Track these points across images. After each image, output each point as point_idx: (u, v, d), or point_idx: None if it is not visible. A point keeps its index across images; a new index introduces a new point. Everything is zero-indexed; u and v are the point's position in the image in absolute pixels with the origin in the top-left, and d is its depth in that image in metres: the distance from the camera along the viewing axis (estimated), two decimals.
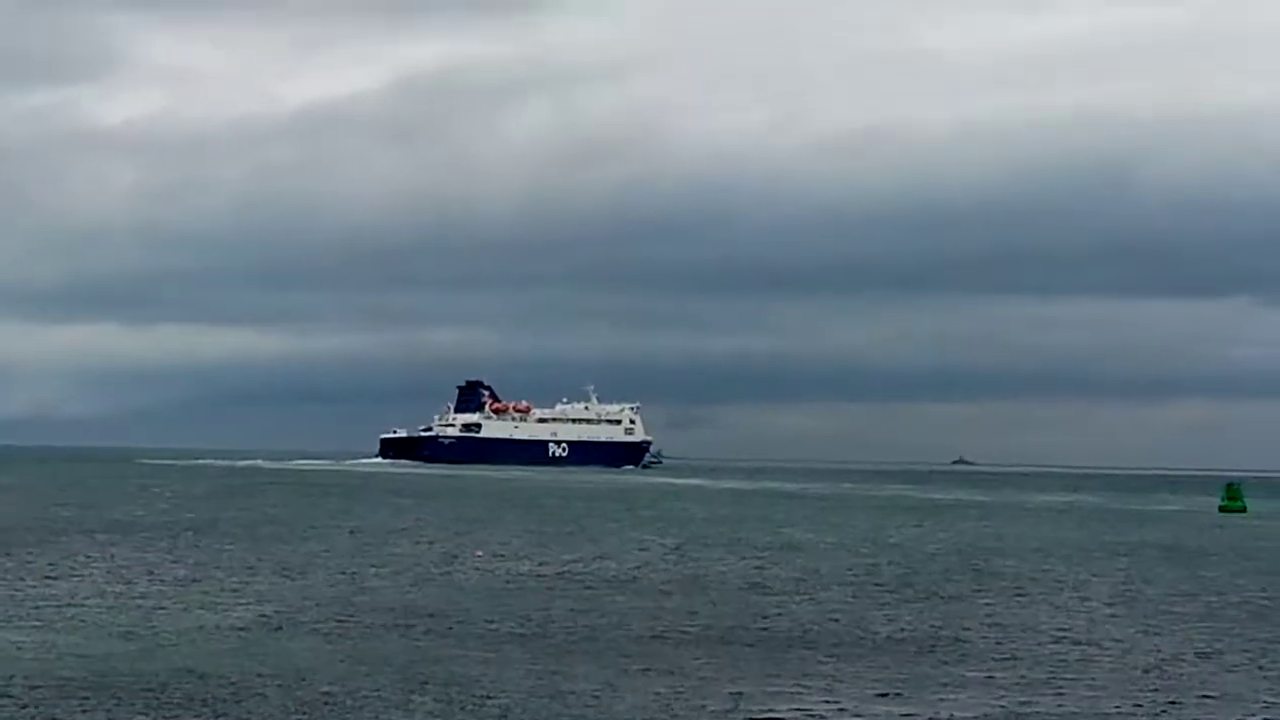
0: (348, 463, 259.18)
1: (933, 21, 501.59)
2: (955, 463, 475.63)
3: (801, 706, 26.68)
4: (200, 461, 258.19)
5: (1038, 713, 26.74)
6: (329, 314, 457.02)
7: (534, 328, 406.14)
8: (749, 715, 25.70)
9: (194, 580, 47.76)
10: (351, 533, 72.30)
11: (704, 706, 26.41)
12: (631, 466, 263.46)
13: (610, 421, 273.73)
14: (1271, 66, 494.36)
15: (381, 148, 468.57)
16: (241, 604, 41.09)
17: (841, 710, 26.43)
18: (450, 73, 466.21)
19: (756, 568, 57.03)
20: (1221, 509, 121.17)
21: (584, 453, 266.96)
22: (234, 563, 54.24)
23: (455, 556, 58.99)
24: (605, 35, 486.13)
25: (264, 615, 38.54)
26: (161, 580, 47.38)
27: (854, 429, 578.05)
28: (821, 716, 25.90)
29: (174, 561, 54.22)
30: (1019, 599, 47.38)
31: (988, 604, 45.34)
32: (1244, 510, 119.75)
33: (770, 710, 26.11)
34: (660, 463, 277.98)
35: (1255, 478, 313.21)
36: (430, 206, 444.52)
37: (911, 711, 26.53)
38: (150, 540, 64.58)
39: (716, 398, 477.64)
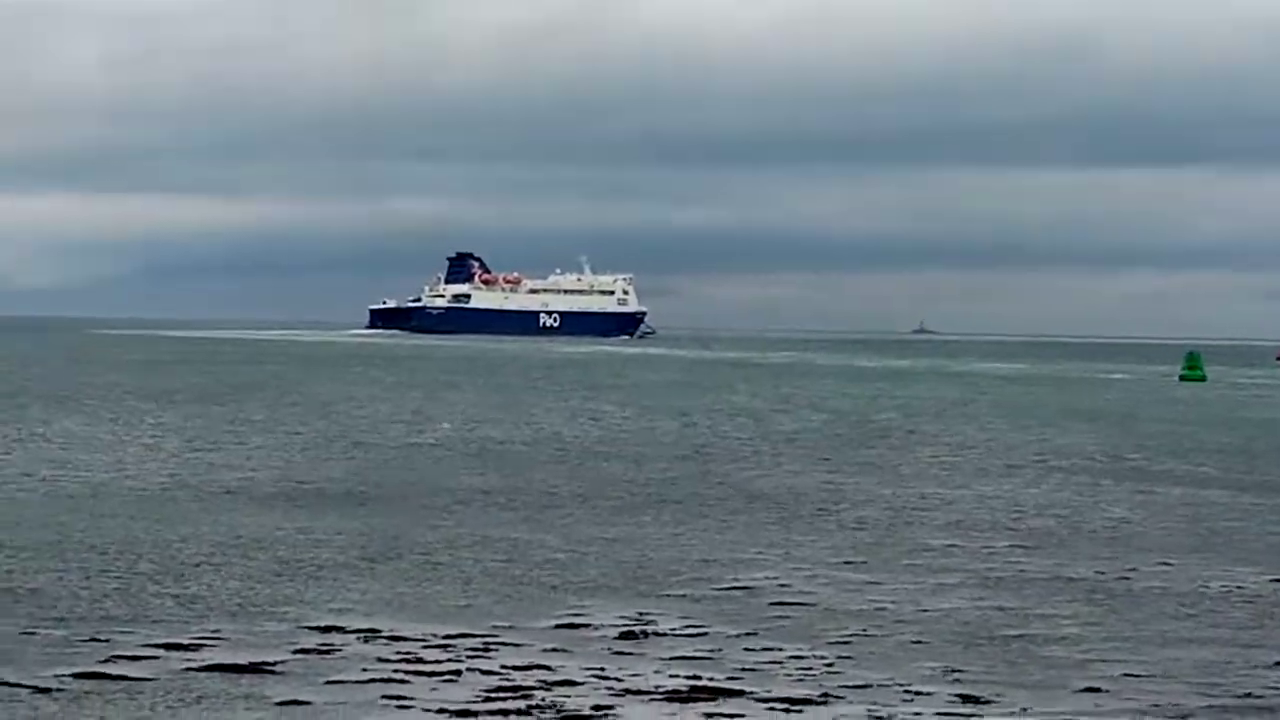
0: (336, 332, 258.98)
1: None
2: (917, 331, 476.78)
3: (765, 571, 26.29)
4: (171, 333, 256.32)
5: (998, 576, 26.35)
6: (295, 183, 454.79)
7: (501, 200, 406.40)
8: (714, 575, 25.31)
9: (147, 447, 47.20)
10: (294, 404, 71.67)
11: (669, 567, 26.01)
12: (625, 337, 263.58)
13: (603, 292, 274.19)
14: None
15: (349, 20, 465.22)
16: (191, 471, 40.51)
17: (798, 569, 26.07)
18: None
19: (710, 433, 56.92)
20: (1182, 378, 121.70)
21: (576, 323, 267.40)
22: (184, 430, 53.58)
23: (415, 425, 58.59)
24: None
25: (216, 481, 37.99)
26: (112, 447, 46.76)
27: (819, 298, 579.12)
28: (784, 580, 25.49)
29: (124, 428, 53.70)
30: (949, 462, 47.28)
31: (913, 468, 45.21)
32: (1203, 379, 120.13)
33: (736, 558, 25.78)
34: (654, 333, 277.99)
35: (1220, 345, 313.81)
36: (397, 79, 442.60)
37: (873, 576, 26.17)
38: (99, 407, 64.04)
39: (682, 268, 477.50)
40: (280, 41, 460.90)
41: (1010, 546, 29.55)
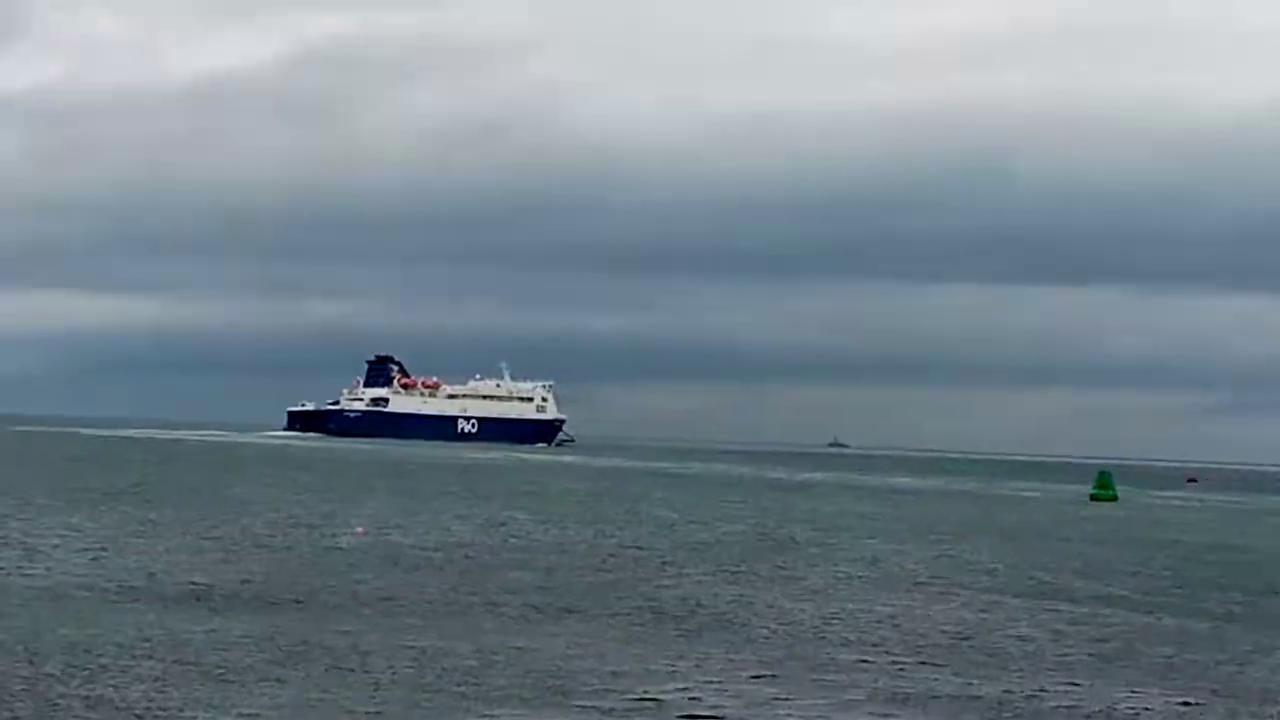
0: (252, 434, 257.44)
1: (826, 9, 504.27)
2: (831, 444, 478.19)
3: (681, 684, 26.24)
4: (88, 431, 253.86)
5: (906, 693, 26.39)
6: (214, 284, 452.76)
7: (420, 303, 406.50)
8: (626, 689, 25.23)
9: (54, 546, 46.74)
10: (205, 505, 71.21)
11: (578, 677, 25.91)
12: (544, 444, 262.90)
13: (522, 399, 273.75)
14: (1150, 59, 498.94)
15: (273, 120, 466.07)
16: (99, 571, 40.12)
17: (717, 687, 26.02)
18: (349, 47, 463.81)
19: (621, 543, 56.93)
20: (1093, 497, 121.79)
21: (494, 429, 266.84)
22: (93, 530, 53.05)
23: (325, 529, 58.27)
24: (508, 14, 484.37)
25: (127, 584, 37.66)
26: (18, 545, 46.30)
27: (735, 410, 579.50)
28: (696, 694, 25.44)
29: (32, 526, 53.14)
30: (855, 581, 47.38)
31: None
32: (1115, 499, 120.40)
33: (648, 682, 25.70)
34: (573, 441, 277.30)
35: (1134, 465, 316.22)
36: (317, 180, 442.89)
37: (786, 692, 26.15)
38: (7, 505, 63.40)
39: (598, 377, 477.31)
40: (202, 140, 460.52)
41: (918, 664, 29.59)
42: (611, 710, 23.57)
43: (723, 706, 24.15)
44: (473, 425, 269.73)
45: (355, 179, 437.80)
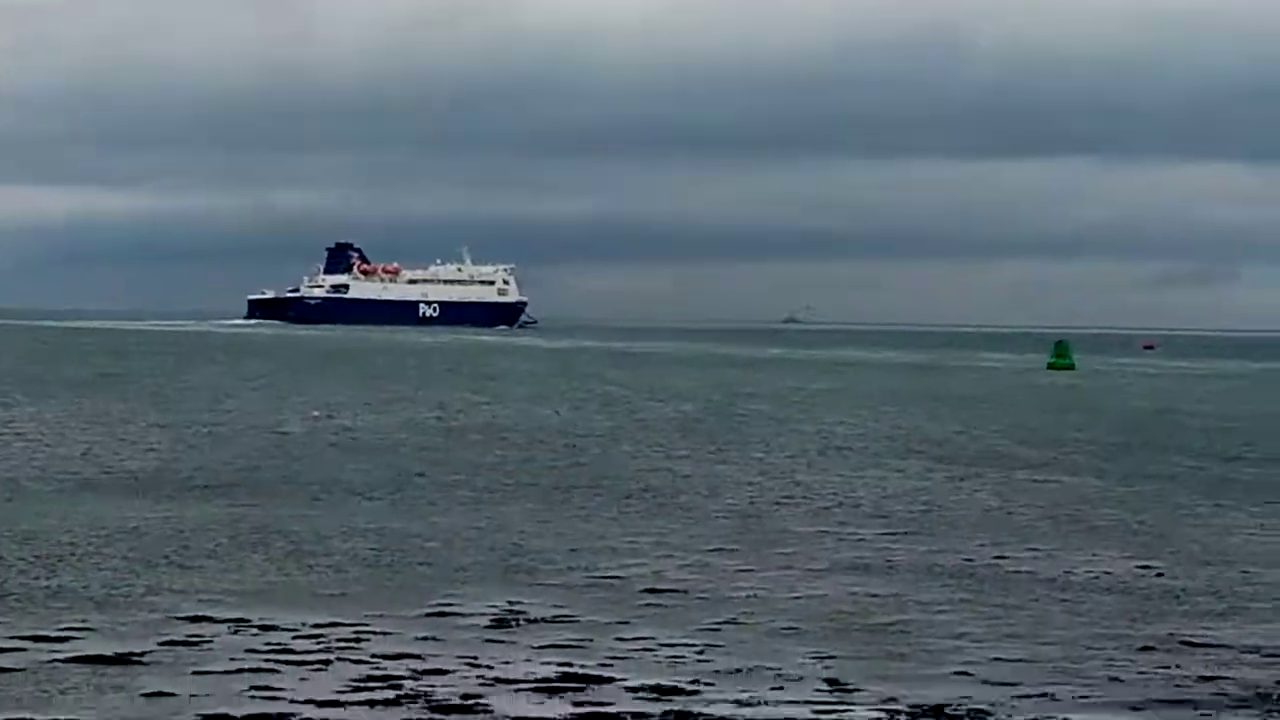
0: (212, 323, 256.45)
1: None
2: (786, 321, 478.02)
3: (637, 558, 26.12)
4: (47, 323, 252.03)
5: (867, 563, 26.32)
6: (176, 174, 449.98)
7: (380, 190, 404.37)
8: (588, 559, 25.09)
9: (8, 436, 46.42)
10: (162, 394, 70.79)
11: (540, 555, 25.76)
12: (505, 327, 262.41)
13: (483, 282, 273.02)
14: None
15: (227, 11, 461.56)
16: (54, 462, 39.77)
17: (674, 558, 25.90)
18: None
19: (573, 422, 56.78)
20: (1050, 366, 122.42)
21: (455, 313, 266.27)
22: (49, 420, 52.66)
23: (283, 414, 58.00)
24: None
25: (80, 472, 37.33)
26: None
27: (697, 289, 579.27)
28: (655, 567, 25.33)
29: None
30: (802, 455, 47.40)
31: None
32: (1072, 368, 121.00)
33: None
34: (535, 323, 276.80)
35: (1096, 335, 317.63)
36: (277, 70, 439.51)
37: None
38: None
39: (559, 259, 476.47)
40: (159, 32, 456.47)
41: (878, 534, 29.50)
42: (575, 586, 23.40)
43: (685, 580, 24.00)
44: (434, 310, 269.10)
45: (315, 67, 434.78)
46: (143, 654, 18.37)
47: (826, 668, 18.30)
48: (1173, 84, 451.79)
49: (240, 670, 17.68)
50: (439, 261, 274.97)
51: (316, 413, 57.58)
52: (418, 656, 18.47)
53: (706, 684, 17.43)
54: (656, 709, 16.40)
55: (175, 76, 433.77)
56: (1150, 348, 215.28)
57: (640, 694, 16.98)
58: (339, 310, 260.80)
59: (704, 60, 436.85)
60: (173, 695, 16.65)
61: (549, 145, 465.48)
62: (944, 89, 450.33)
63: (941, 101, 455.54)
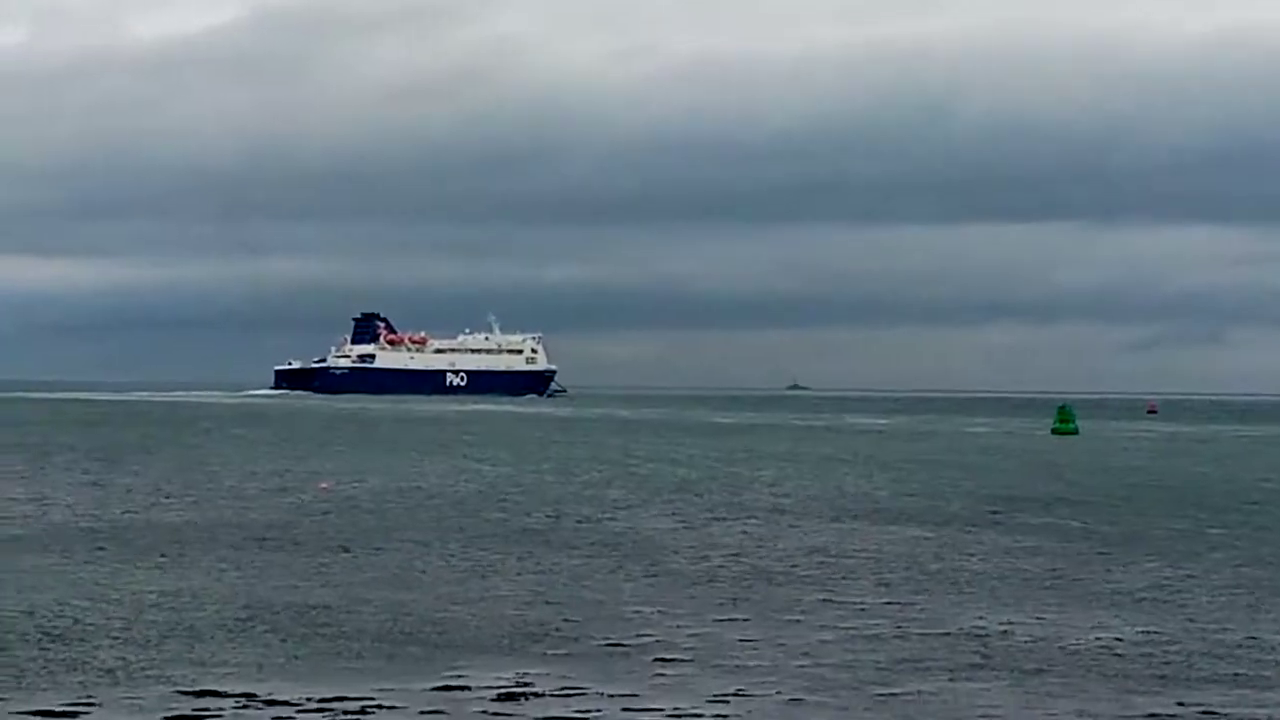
0: (240, 394, 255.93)
1: None
2: (790, 388, 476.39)
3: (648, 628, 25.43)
4: (71, 396, 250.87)
5: (873, 634, 25.60)
6: (181, 244, 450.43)
7: (368, 259, 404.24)
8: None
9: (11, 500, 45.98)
10: (190, 465, 70.33)
11: (544, 624, 25.09)
12: (534, 395, 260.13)
13: (511, 351, 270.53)
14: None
15: (230, 82, 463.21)
16: (67, 528, 39.29)
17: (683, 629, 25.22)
18: (306, 6, 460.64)
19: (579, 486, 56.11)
20: (1055, 431, 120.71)
21: (484, 382, 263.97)
22: (64, 488, 52.19)
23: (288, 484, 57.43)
24: None
25: (95, 546, 36.79)
26: None
27: (690, 356, 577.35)
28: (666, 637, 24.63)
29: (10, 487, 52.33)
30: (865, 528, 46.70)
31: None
32: (1076, 432, 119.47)
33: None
34: (565, 392, 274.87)
35: (1089, 399, 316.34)
36: (279, 138, 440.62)
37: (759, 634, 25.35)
38: None
39: (549, 326, 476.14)
40: (164, 104, 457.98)
41: (884, 602, 28.74)
42: (583, 655, 22.70)
43: (692, 649, 23.27)
44: (461, 379, 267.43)
45: (315, 136, 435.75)
46: None
47: None
48: (1154, 148, 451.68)
49: None
50: (467, 331, 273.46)
51: (327, 483, 56.69)
52: None
53: None
54: None
55: (179, 147, 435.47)
56: (1153, 412, 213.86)
57: None
58: (365, 380, 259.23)
59: (695, 126, 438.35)
60: None
61: (540, 212, 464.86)
62: (928, 156, 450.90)
63: (925, 170, 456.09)
